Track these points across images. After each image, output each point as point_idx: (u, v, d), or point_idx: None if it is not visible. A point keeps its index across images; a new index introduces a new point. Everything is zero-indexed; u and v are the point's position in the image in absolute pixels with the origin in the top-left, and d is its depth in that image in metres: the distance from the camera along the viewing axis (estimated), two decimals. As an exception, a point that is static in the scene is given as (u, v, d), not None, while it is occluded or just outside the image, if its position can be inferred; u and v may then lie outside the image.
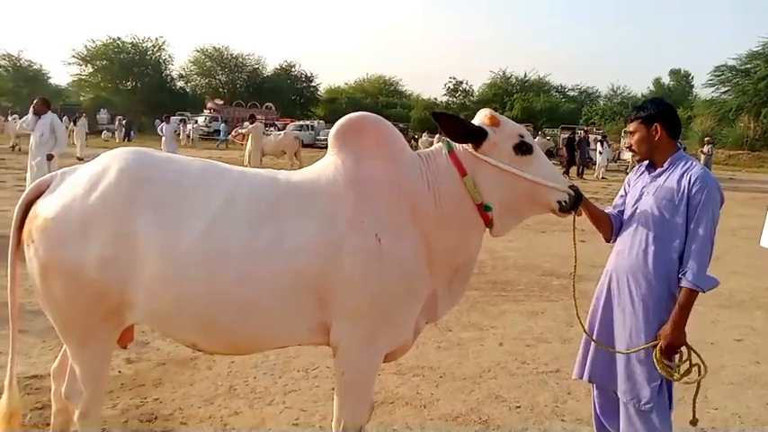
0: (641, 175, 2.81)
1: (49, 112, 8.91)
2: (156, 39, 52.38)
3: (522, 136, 2.51)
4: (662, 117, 2.68)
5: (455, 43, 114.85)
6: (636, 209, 2.71)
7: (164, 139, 18.60)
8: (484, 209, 2.48)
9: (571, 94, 59.32)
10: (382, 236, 2.33)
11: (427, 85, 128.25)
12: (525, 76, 55.87)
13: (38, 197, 2.37)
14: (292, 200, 2.36)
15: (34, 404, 3.44)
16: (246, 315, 2.30)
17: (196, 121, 38.01)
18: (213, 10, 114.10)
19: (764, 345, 5.04)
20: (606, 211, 2.88)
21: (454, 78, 57.17)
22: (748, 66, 38.22)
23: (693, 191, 2.52)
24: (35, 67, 51.61)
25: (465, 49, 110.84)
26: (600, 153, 21.79)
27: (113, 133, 34.70)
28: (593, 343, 2.79)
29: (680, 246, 2.57)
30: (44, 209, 2.29)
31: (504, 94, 54.19)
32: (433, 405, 3.70)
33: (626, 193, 2.87)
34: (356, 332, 2.39)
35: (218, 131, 37.08)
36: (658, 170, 2.69)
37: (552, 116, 47.98)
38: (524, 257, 7.91)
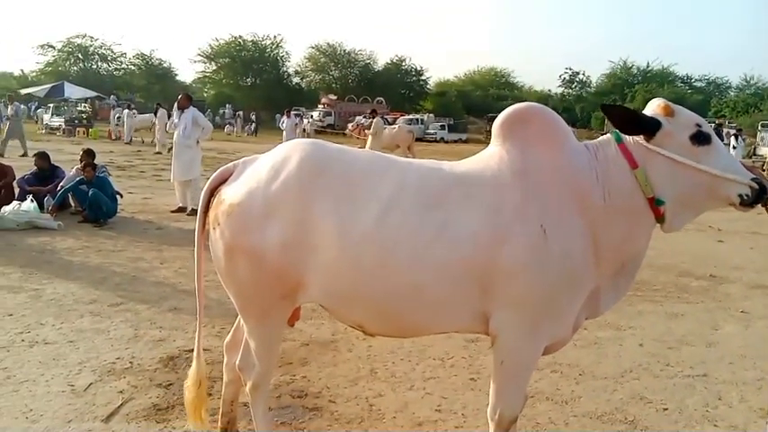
0: None
1: (191, 106, 9.58)
2: (275, 37, 54.84)
3: (699, 125, 2.39)
4: None
5: (571, 33, 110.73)
6: None
7: (284, 132, 19.42)
8: (656, 203, 2.40)
9: (698, 84, 55.47)
10: (547, 227, 2.33)
11: (540, 76, 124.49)
12: (648, 66, 53.01)
13: (222, 183, 2.58)
14: (459, 190, 2.41)
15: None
16: (414, 300, 2.39)
17: (312, 116, 39.34)
18: (328, 7, 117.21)
19: None
20: None
21: (570, 69, 55.32)
22: None
23: None
24: (164, 65, 55.54)
25: (582, 38, 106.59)
26: (734, 148, 20.30)
27: (235, 127, 36.72)
28: None
29: None
30: (230, 195, 2.48)
31: (624, 84, 51.65)
32: (575, 402, 3.64)
33: None
34: (517, 322, 2.40)
35: (331, 125, 38.18)
36: None
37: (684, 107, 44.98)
38: (659, 256, 7.53)
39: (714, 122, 25.60)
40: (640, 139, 2.43)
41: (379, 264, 2.35)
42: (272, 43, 54.88)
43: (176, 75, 57.38)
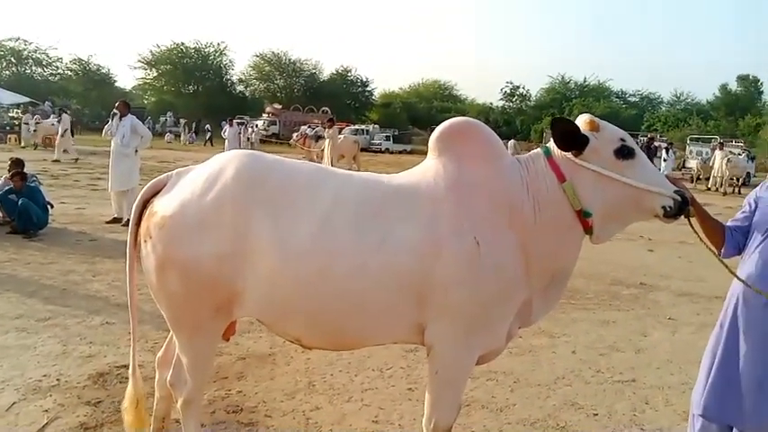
0: None
1: (129, 114, 9.33)
2: (218, 44, 53.99)
3: (623, 140, 2.49)
4: None
5: (511, 48, 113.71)
6: None
7: (227, 141, 19.14)
8: (583, 215, 2.48)
9: (632, 100, 57.81)
10: (480, 239, 2.39)
11: (483, 89, 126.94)
12: (584, 81, 54.87)
13: (154, 195, 2.53)
14: (396, 202, 2.45)
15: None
16: (353, 311, 2.40)
17: (256, 125, 38.92)
18: (273, 16, 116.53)
19: None
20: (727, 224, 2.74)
21: (511, 83, 56.65)
22: (823, 71, 36.44)
23: None
24: (103, 71, 53.89)
25: (522, 53, 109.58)
26: (664, 161, 21.23)
27: (184, 136, 35.95)
28: (713, 378, 2.59)
29: None
30: (162, 206, 2.44)
31: (562, 98, 53.29)
32: (510, 409, 3.72)
33: (751, 211, 2.68)
34: (451, 333, 2.45)
35: (276, 135, 37.82)
36: None
37: (613, 122, 46.47)
38: (592, 266, 7.77)
39: (647, 136, 26.76)
40: (568, 153, 2.51)
41: (318, 276, 2.36)
42: (216, 51, 54.08)
43: (115, 81, 55.77)
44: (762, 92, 49.77)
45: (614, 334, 5.26)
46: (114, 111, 9.36)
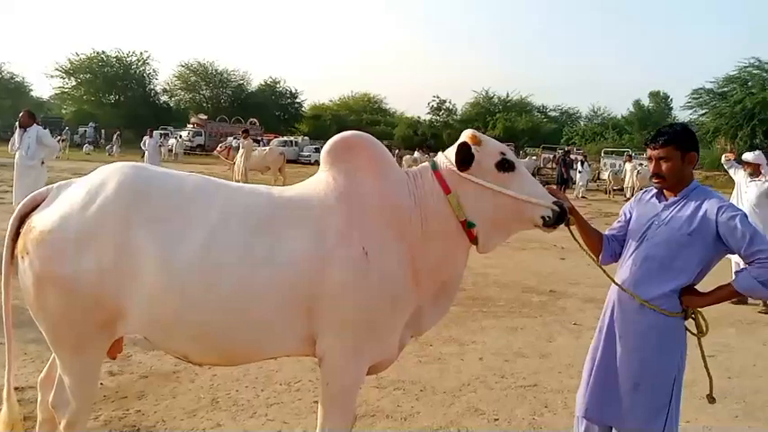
0: (648, 202, 2.77)
1: (35, 124, 8.91)
2: (141, 53, 52.48)
3: (503, 153, 2.60)
4: (697, 145, 2.67)
5: (439, 62, 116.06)
6: (644, 239, 2.66)
7: (146, 153, 18.55)
8: (468, 226, 2.56)
9: (552, 114, 60.11)
10: (369, 249, 2.42)
11: (411, 103, 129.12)
12: (507, 96, 56.58)
13: (33, 210, 2.43)
14: (285, 213, 2.46)
15: (17, 415, 3.45)
16: (241, 325, 2.38)
17: (180, 136, 37.93)
18: (199, 26, 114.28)
19: (736, 361, 5.19)
20: (605, 233, 2.88)
21: (438, 97, 57.65)
22: (725, 89, 39.05)
23: (724, 218, 2.48)
24: (17, 79, 51.30)
25: (449, 68, 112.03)
26: (580, 173, 22.18)
27: (94, 146, 34.51)
28: (592, 381, 2.72)
29: (689, 278, 2.57)
30: (40, 222, 2.34)
31: (486, 113, 54.78)
32: (414, 418, 3.77)
33: (626, 221, 2.83)
34: (341, 343, 2.47)
35: (201, 146, 36.97)
36: (672, 199, 2.66)
37: (534, 136, 48.57)
38: (505, 274, 8.03)
39: (564, 149, 27.89)
40: (453, 166, 2.60)
41: (204, 290, 2.33)
42: (138, 60, 52.54)
43: (31, 90, 53.27)
44: (672, 107, 52.73)
45: (521, 340, 5.43)
46: (17, 123, 8.91)
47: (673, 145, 2.62)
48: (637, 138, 42.89)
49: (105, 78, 50.26)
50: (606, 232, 2.90)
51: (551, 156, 28.34)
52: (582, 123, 56.11)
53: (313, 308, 2.42)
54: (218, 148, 19.98)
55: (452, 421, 3.75)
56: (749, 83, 37.67)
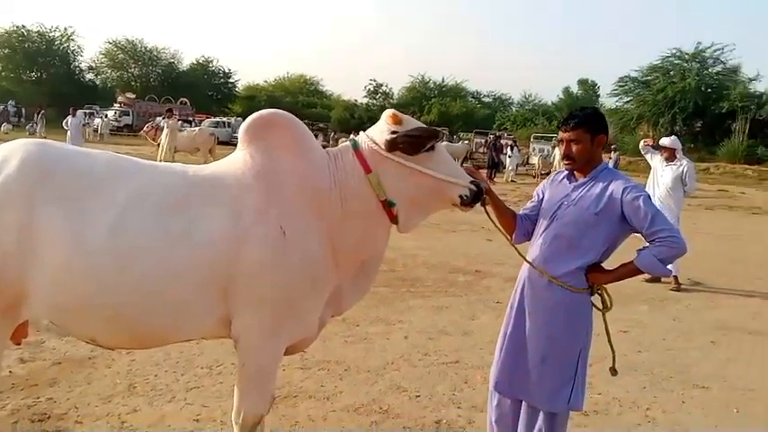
0: (559, 183, 2.85)
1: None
2: (65, 29, 49.91)
3: (436, 134, 2.62)
4: (606, 128, 2.76)
5: (377, 46, 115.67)
6: (554, 218, 2.74)
7: (69, 132, 17.73)
8: (388, 205, 2.56)
9: (486, 100, 61.27)
10: (287, 228, 2.39)
11: (348, 86, 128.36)
12: (443, 81, 57.12)
13: None
14: (201, 192, 2.39)
15: None
16: (155, 307, 2.31)
17: (106, 115, 36.38)
18: (128, 2, 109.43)
19: (648, 336, 5.47)
20: (519, 213, 2.96)
21: (374, 81, 57.71)
22: (649, 78, 40.80)
23: (629, 198, 2.58)
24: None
25: (386, 51, 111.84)
26: (510, 157, 22.72)
27: (14, 125, 32.66)
28: (503, 355, 2.84)
29: (596, 256, 2.67)
30: None
31: (422, 97, 55.24)
32: (336, 397, 3.79)
33: (539, 201, 2.91)
34: (257, 323, 2.43)
35: (129, 126, 35.63)
36: (581, 180, 2.74)
37: (468, 121, 49.36)
38: (433, 255, 8.15)
39: (495, 134, 28.50)
40: (375, 145, 2.59)
41: (116, 272, 2.24)
42: (62, 35, 49.95)
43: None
44: (599, 94, 54.69)
45: (446, 319, 5.54)
46: None
47: (583, 128, 2.71)
48: (566, 124, 44.26)
49: (26, 54, 47.59)
50: (520, 212, 2.98)
51: (483, 140, 28.82)
52: (514, 109, 57.43)
53: (229, 287, 2.37)
54: (144, 129, 19.25)
55: (375, 399, 3.79)
56: (671, 72, 39.50)
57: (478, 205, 2.72)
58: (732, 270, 8.78)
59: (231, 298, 2.40)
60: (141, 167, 2.46)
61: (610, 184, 2.67)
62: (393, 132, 2.55)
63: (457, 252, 8.50)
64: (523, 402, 2.79)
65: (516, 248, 2.91)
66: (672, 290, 7.29)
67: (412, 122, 2.70)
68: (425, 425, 3.53)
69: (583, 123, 2.70)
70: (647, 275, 7.54)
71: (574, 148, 2.73)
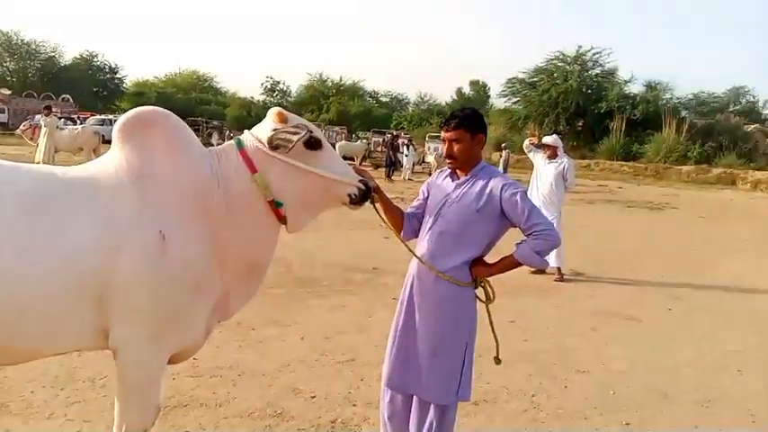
0: (443, 181, 2.93)
1: None
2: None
3: (311, 131, 2.59)
4: (485, 127, 2.86)
5: (274, 42, 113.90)
6: (439, 215, 2.83)
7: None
8: (275, 205, 2.52)
9: (384, 100, 62.09)
10: (167, 233, 2.29)
11: (244, 83, 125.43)
12: (341, 80, 57.22)
13: None
14: (70, 196, 2.24)
15: None
16: (20, 320, 2.14)
17: (-25, 113, 33.52)
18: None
19: (533, 325, 5.76)
20: (406, 211, 3.03)
21: (271, 78, 56.90)
22: (535, 79, 42.83)
23: (507, 195, 2.70)
24: None
25: (283, 48, 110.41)
26: (406, 156, 23.14)
27: None
28: (394, 352, 2.89)
29: (479, 251, 2.79)
30: None
31: (320, 96, 55.04)
32: (230, 404, 3.70)
33: (425, 198, 2.99)
34: (136, 334, 2.32)
35: (4, 124, 33.04)
36: (463, 178, 2.84)
37: (366, 120, 49.79)
38: (331, 254, 8.16)
39: (392, 133, 28.93)
40: (260, 144, 2.54)
41: None
42: None
43: None
44: (489, 95, 56.90)
45: (343, 318, 5.56)
46: None
47: (463, 128, 2.80)
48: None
49: None
50: (407, 210, 3.04)
51: (381, 139, 29.15)
52: (410, 109, 58.58)
53: (104, 297, 2.24)
54: (21, 127, 17.88)
55: (269, 403, 3.73)
56: (555, 74, 41.66)
57: (368, 204, 2.76)
58: (610, 260, 9.42)
59: (107, 308, 2.27)
60: (3, 168, 2.28)
61: (489, 182, 2.79)
62: (273, 130, 2.53)
63: (355, 250, 8.55)
64: (414, 397, 2.86)
65: (405, 244, 2.98)
66: (555, 280, 7.71)
67: (297, 120, 2.67)
68: (320, 425, 3.52)
69: (462, 123, 2.80)
70: (532, 268, 7.95)
71: (455, 147, 2.82)
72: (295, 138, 2.53)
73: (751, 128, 37.68)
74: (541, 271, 7.88)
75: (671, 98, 39.55)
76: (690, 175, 31.76)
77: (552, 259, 7.78)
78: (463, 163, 2.85)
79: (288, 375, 4.18)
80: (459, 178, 2.89)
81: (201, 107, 50.52)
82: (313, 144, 2.59)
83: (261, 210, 2.54)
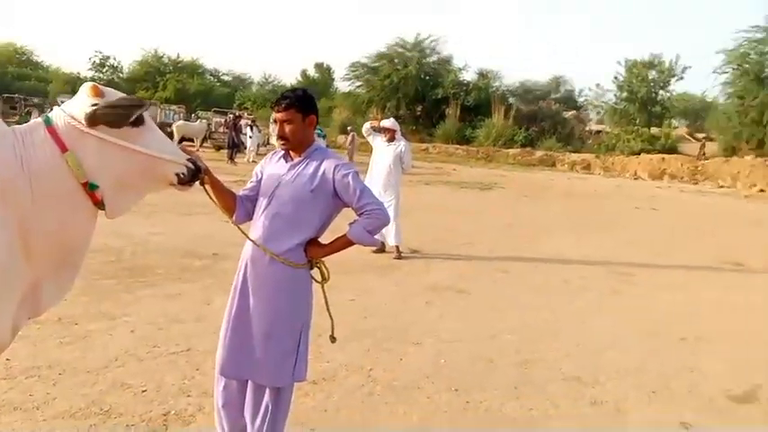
0: (277, 163, 2.90)
1: None
2: None
3: (141, 104, 2.42)
4: (316, 108, 2.85)
5: (103, 15, 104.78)
6: (273, 197, 2.79)
7: None
8: (90, 188, 2.32)
9: (225, 78, 59.94)
10: None
11: (69, 57, 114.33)
12: (178, 57, 54.26)
13: None
14: None
15: None
16: None
17: None
18: None
19: (373, 303, 5.93)
20: (239, 193, 2.96)
21: (100, 52, 52.41)
22: (377, 64, 43.82)
23: (339, 175, 2.73)
24: None
25: (113, 21, 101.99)
26: (250, 137, 22.61)
27: None
28: (228, 338, 2.82)
29: (313, 232, 2.80)
30: None
31: (156, 73, 51.77)
32: (48, 405, 3.41)
33: (258, 180, 2.94)
34: None
35: None
36: (297, 160, 2.82)
37: (206, 99, 47.82)
38: (167, 241, 7.77)
39: (235, 114, 28.06)
40: (73, 121, 2.33)
41: None
42: None
43: None
44: (333, 79, 57.17)
45: (179, 306, 5.33)
46: None
47: (294, 108, 2.79)
48: (304, 105, 45.61)
49: None
50: (240, 192, 2.98)
51: (223, 120, 28.12)
52: (254, 89, 57.16)
53: None
54: None
55: (94, 401, 3.49)
56: (395, 60, 42.91)
57: (198, 185, 2.66)
58: (445, 238, 9.96)
59: None
60: None
61: (322, 163, 2.81)
62: (93, 105, 2.34)
63: (193, 236, 8.21)
64: (249, 382, 2.83)
65: (239, 227, 2.92)
66: (395, 258, 8.01)
67: (115, 95, 2.49)
68: (152, 419, 3.36)
69: (294, 104, 2.79)
70: (373, 248, 8.15)
71: (287, 128, 2.80)
72: (123, 112, 2.36)
73: (568, 114, 41.73)
74: (382, 250, 8.16)
75: (500, 86, 42.49)
76: (516, 157, 34.50)
77: (391, 238, 8.09)
78: (296, 144, 2.84)
79: (115, 371, 3.93)
80: (292, 159, 2.88)
81: (19, 83, 45.52)
82: (135, 120, 2.43)
83: (73, 193, 2.33)
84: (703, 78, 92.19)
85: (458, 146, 37.54)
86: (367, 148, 8.82)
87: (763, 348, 5.42)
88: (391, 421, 3.60)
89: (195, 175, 2.58)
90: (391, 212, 8.10)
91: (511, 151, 35.42)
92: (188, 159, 2.56)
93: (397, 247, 8.08)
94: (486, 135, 37.28)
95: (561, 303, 6.51)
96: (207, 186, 2.77)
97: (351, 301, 5.71)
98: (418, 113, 43.10)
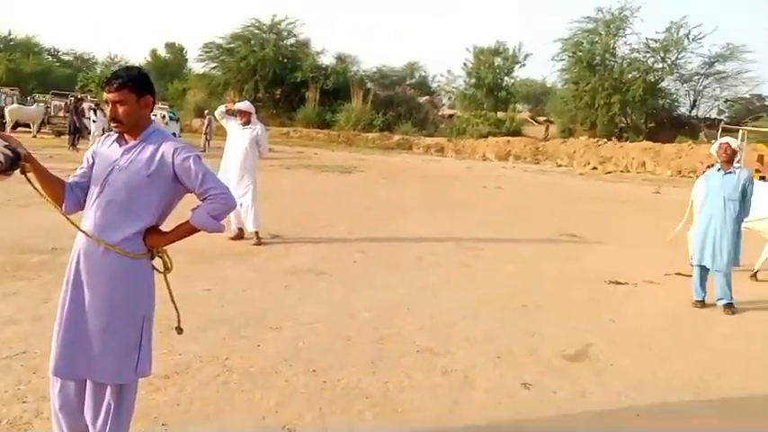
0: (110, 147, 2.74)
1: None
2: None
3: None
4: (152, 88, 2.70)
5: None
6: (106, 184, 2.63)
7: None
8: None
9: (66, 58, 55.17)
10: None
11: None
12: (10, 34, 49.08)
13: None
14: None
15: None
16: None
17: None
18: None
19: (230, 289, 5.80)
20: (68, 181, 2.76)
21: None
22: (232, 45, 42.48)
23: (179, 159, 2.62)
24: None
25: None
26: (94, 122, 21.02)
27: None
28: (61, 335, 2.63)
29: (152, 220, 2.67)
30: None
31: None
32: None
33: (89, 166, 2.76)
34: None
35: None
36: (132, 143, 2.68)
37: (44, 81, 43.85)
38: (0, 236, 7.07)
39: (76, 96, 25.88)
40: None
41: None
42: None
43: None
44: (187, 59, 54.58)
45: (13, 306, 4.89)
46: None
47: (127, 88, 2.63)
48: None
49: None
50: (69, 180, 2.78)
51: (63, 103, 25.84)
52: (98, 70, 53.10)
53: None
54: None
55: None
56: (252, 41, 41.86)
57: (19, 174, 2.47)
58: (305, 221, 9.98)
59: None
60: None
61: (161, 146, 2.69)
62: None
63: (30, 229, 7.53)
64: (88, 381, 2.67)
65: (68, 218, 2.73)
66: (254, 245, 7.90)
67: None
68: (-20, 430, 3.09)
69: (127, 84, 2.63)
70: (230, 234, 7.99)
71: (120, 109, 2.65)
72: None
73: (423, 99, 43.22)
74: (240, 236, 8.02)
75: (358, 71, 42.99)
76: (375, 141, 35.27)
77: (250, 224, 7.97)
78: (130, 127, 2.69)
79: (-65, 382, 3.54)
80: (127, 143, 2.73)
81: None
82: None
83: None
84: (543, 65, 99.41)
85: (319, 130, 37.61)
86: (224, 132, 8.56)
87: (595, 312, 6.04)
88: (247, 408, 3.57)
89: (14, 162, 2.39)
90: (249, 197, 7.98)
91: (370, 135, 36.13)
92: (6, 146, 2.37)
93: (257, 232, 7.97)
94: (347, 119, 37.69)
95: (415, 279, 6.80)
96: (29, 174, 2.57)
97: (206, 290, 5.54)
98: (277, 97, 42.47)
